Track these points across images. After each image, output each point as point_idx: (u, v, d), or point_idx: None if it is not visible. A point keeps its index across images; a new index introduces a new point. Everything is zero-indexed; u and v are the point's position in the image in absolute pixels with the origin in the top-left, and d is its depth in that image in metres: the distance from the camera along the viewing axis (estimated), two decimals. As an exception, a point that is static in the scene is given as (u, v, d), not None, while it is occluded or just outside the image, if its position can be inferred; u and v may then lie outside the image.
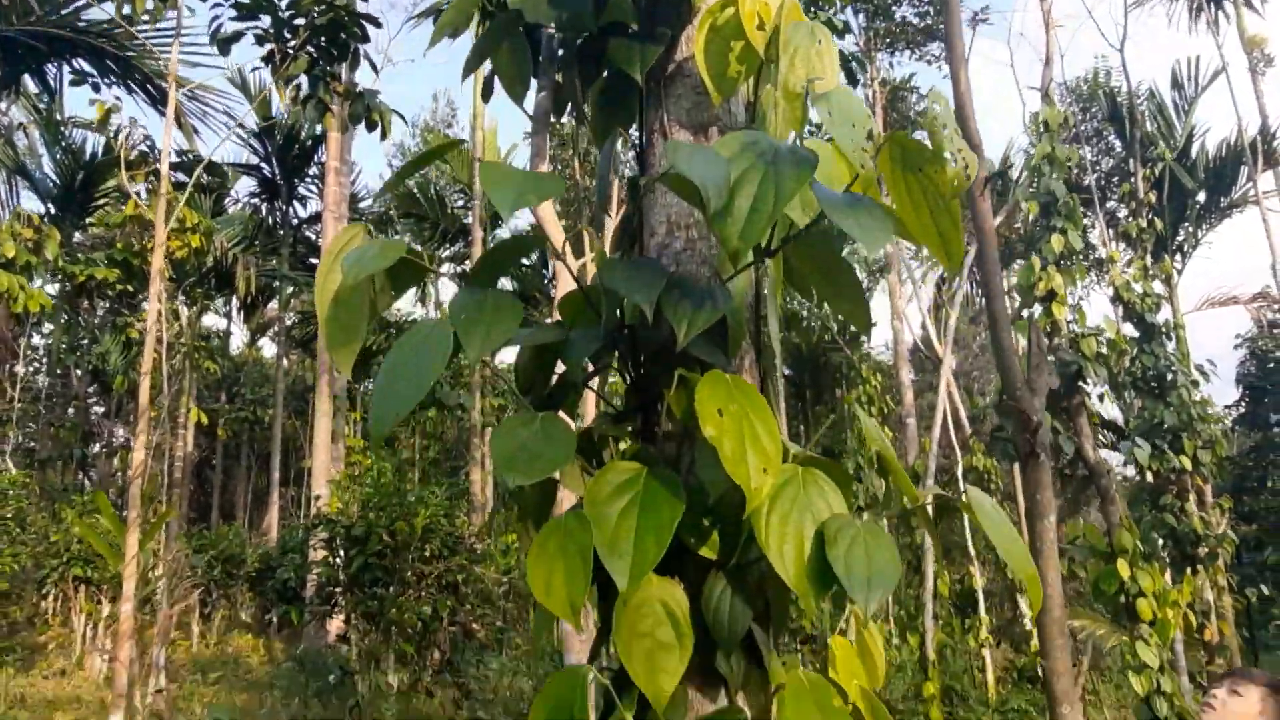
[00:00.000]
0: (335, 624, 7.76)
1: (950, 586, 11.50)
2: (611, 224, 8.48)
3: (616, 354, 1.37)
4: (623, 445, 1.38)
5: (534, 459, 1.10)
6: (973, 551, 14.47)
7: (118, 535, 5.52)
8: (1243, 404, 19.06)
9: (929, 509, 1.29)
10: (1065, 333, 6.89)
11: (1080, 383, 6.77)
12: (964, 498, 1.15)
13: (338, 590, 6.62)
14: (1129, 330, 10.86)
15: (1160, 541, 10.01)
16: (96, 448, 27.15)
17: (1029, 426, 1.96)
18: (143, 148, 10.43)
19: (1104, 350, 6.78)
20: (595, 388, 1.56)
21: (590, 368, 1.40)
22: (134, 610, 5.10)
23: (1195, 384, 10.28)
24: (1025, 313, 7.22)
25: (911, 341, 19.45)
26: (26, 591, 11.70)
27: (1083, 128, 19.61)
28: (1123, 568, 6.29)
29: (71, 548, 10.20)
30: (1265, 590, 13.37)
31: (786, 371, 25.35)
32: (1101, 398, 6.76)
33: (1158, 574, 6.34)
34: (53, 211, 18.09)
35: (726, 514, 1.20)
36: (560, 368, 1.36)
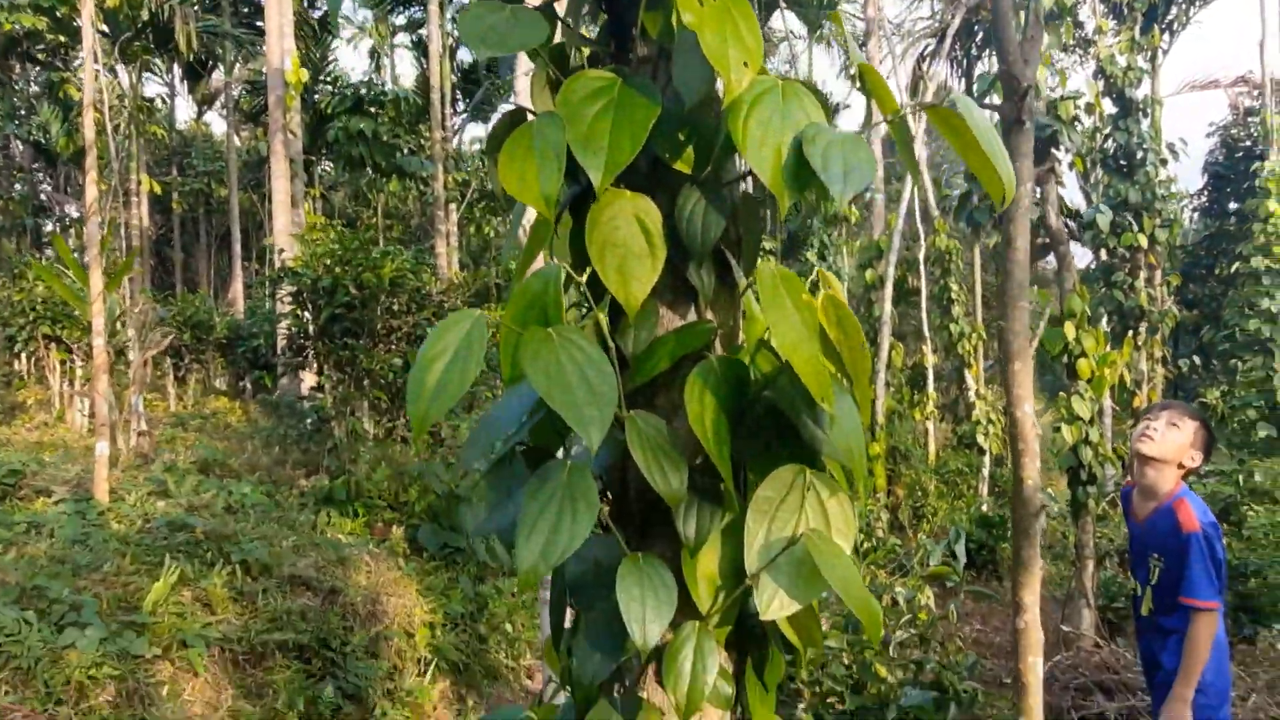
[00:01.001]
0: (309, 378, 7.96)
1: (903, 361, 11.99)
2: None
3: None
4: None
5: (506, 35, 1.07)
6: (927, 333, 14.98)
7: (80, 280, 5.46)
8: (1206, 193, 19.22)
9: (905, 119, 1.28)
10: (1044, 95, 6.75)
11: (1053, 149, 6.72)
12: (948, 105, 1.14)
13: (308, 342, 6.73)
14: (1108, 106, 10.68)
15: (1106, 315, 10.43)
16: (50, 225, 26.41)
17: (1018, 91, 1.95)
18: None
19: (1081, 115, 6.68)
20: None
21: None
22: (105, 345, 5.16)
23: (1164, 162, 10.28)
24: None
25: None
26: (-2, 354, 11.77)
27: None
28: (1069, 329, 6.57)
29: (37, 307, 10.14)
30: (1195, 360, 14.14)
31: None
32: (1071, 165, 6.73)
33: (1100, 336, 6.65)
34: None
35: (702, 123, 1.19)
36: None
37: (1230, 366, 12.68)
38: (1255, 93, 17.53)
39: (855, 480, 1.14)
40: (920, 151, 12.78)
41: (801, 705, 3.78)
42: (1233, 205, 18.44)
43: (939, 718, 3.67)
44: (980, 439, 13.00)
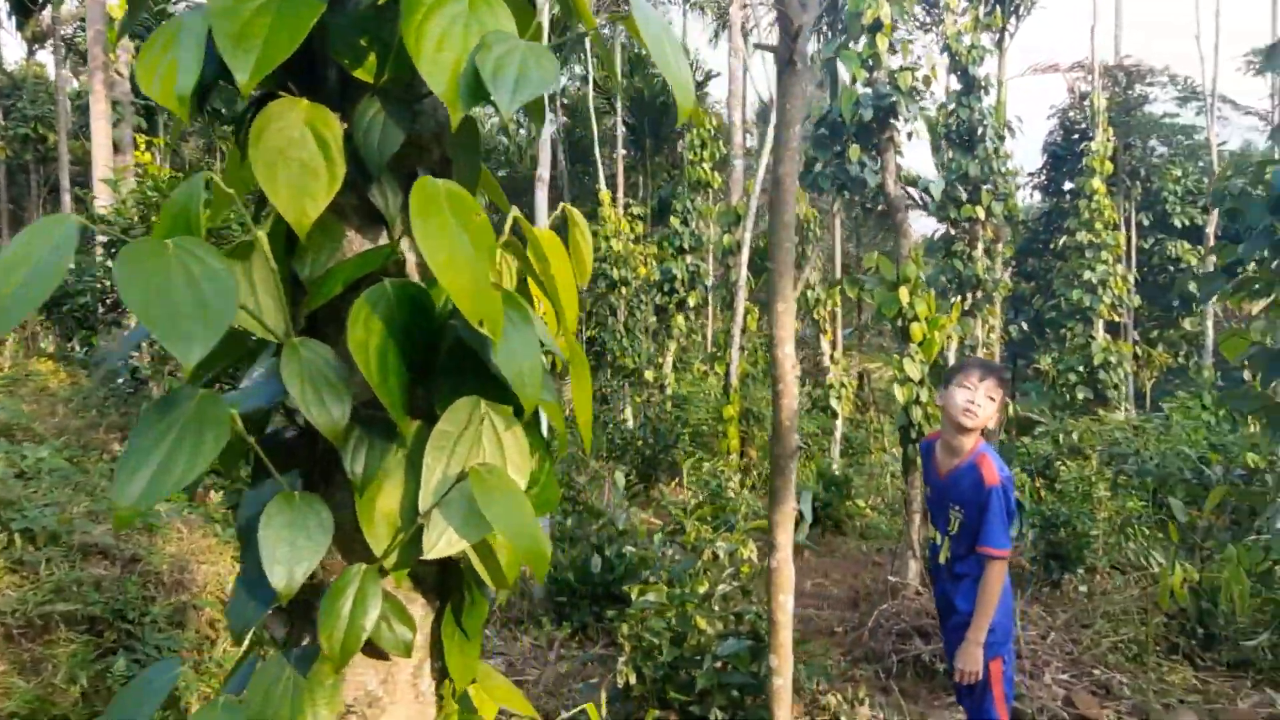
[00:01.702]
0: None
1: (757, 325, 12.28)
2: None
3: None
4: None
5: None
6: (789, 297, 15.35)
7: None
8: (1044, 172, 20.49)
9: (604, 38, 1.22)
10: (885, 66, 6.93)
11: (893, 119, 6.93)
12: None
13: (125, 297, 6.19)
14: (953, 83, 11.16)
15: (947, 282, 10.98)
16: None
17: (790, 31, 1.95)
18: None
19: (919, 85, 6.90)
20: None
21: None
22: None
23: (1001, 139, 10.85)
24: (851, 44, 7.19)
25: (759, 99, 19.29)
26: None
27: None
28: (903, 294, 6.85)
29: None
30: (1024, 327, 15.13)
31: (628, 120, 24.75)
32: (911, 135, 6.97)
33: (931, 301, 6.97)
34: None
35: (383, 26, 1.10)
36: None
37: (1060, 335, 13.67)
38: (1089, 77, 18.75)
39: (526, 409, 1.08)
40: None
41: (622, 659, 3.81)
42: (1068, 185, 19.73)
43: (754, 666, 3.77)
44: (833, 402, 13.50)
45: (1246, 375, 4.36)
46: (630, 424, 13.39)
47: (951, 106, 10.78)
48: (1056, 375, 11.89)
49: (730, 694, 3.73)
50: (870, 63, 6.86)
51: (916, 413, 7.09)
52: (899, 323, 6.94)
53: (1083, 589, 7.42)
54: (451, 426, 1.07)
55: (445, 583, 1.24)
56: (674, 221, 13.41)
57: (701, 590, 4.10)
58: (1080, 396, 11.97)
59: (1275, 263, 3.81)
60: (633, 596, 3.73)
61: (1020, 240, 21.66)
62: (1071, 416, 11.59)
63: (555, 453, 1.26)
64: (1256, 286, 4.00)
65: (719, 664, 3.73)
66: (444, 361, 1.15)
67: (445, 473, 1.06)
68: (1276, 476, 3.81)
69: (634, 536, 6.10)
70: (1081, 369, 11.87)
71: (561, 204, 1.51)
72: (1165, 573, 6.05)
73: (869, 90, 6.79)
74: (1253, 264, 4.01)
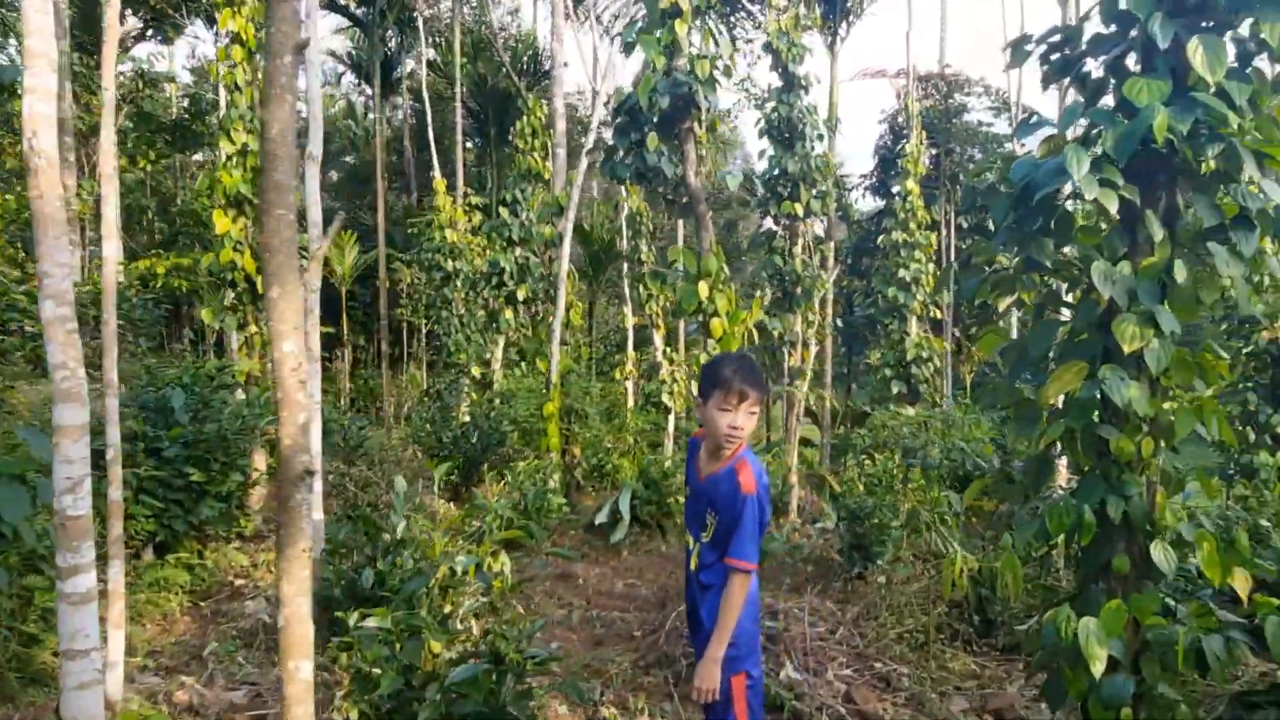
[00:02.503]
0: None
1: (583, 318, 12.01)
2: None
3: None
4: None
5: None
6: (627, 293, 15.22)
7: None
8: (875, 174, 21.31)
9: None
10: (685, 53, 6.77)
11: (694, 108, 6.77)
12: None
13: None
14: (775, 80, 11.23)
15: (767, 279, 11.06)
16: None
17: None
18: None
19: (719, 76, 6.77)
20: None
21: None
22: None
23: (820, 137, 11.02)
24: (656, 33, 6.99)
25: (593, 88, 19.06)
26: None
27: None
28: (703, 289, 6.73)
29: None
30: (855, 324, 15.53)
31: (470, 105, 24.03)
32: (713, 126, 6.84)
33: (732, 295, 6.88)
34: None
35: None
36: None
37: (879, 330, 14.14)
38: (914, 80, 19.60)
39: None
40: (603, 94, 12.81)
41: (340, 693, 3.40)
42: (896, 187, 20.56)
43: (491, 687, 3.44)
44: (665, 398, 13.44)
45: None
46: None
47: (773, 104, 10.85)
48: (874, 369, 12.25)
49: (461, 726, 3.39)
50: (669, 48, 6.67)
51: (717, 409, 6.99)
52: (700, 318, 6.82)
53: (880, 579, 7.54)
54: None
55: None
56: (503, 212, 12.97)
57: (447, 609, 3.74)
58: (895, 390, 12.39)
59: (1019, 258, 3.82)
60: (350, 621, 3.32)
61: (855, 239, 22.45)
62: (887, 410, 11.97)
63: None
64: (1005, 282, 4.01)
65: (451, 694, 3.38)
66: None
67: None
68: (1028, 467, 3.84)
69: (413, 546, 5.65)
70: (894, 363, 12.29)
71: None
72: (948, 562, 6.18)
73: (668, 79, 6.60)
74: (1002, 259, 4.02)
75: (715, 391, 3.14)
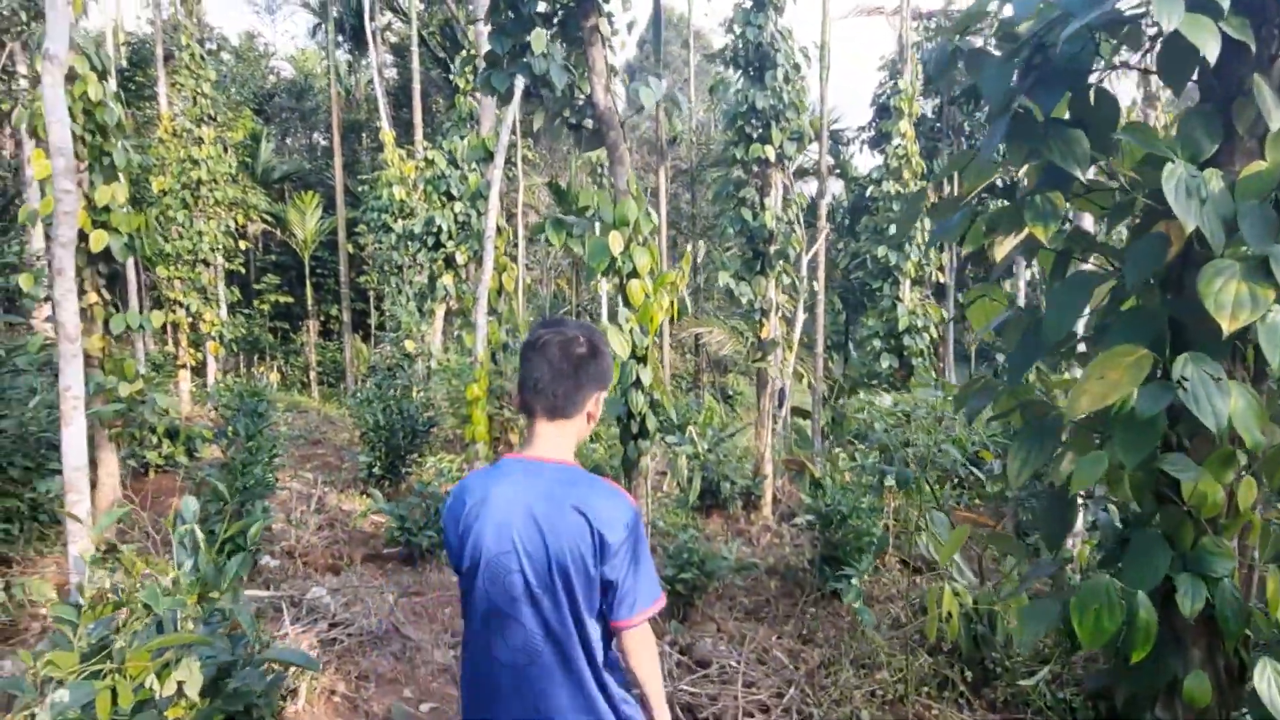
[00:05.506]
0: None
1: (514, 286, 10.45)
2: None
3: None
4: None
5: None
6: (521, 249, 13.57)
7: None
8: (873, 125, 19.53)
9: None
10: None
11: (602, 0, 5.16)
12: None
13: None
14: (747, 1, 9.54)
15: (734, 234, 9.47)
16: None
17: None
18: None
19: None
20: None
21: None
22: None
23: (797, 68, 9.34)
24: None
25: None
26: None
27: None
28: (615, 241, 5.16)
29: None
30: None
31: (440, 55, 22.28)
32: (630, 26, 5.24)
33: (655, 252, 5.32)
34: None
35: None
36: None
37: (869, 295, 12.51)
38: (917, 24, 17.76)
39: None
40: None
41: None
42: (896, 140, 18.78)
43: None
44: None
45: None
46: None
47: (739, 27, 9.17)
48: (861, 341, 10.65)
49: None
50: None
51: (638, 400, 5.46)
52: (614, 279, 5.28)
53: (857, 604, 6.05)
54: None
55: None
56: (438, 161, 11.35)
57: None
58: (885, 365, 10.78)
59: (1026, 165, 2.26)
60: None
61: (852, 198, 20.74)
62: (878, 387, 10.41)
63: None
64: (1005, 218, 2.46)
65: None
66: None
67: None
68: (1042, 511, 2.31)
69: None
70: (886, 335, 10.67)
71: None
72: (932, 599, 4.71)
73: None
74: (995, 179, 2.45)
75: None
